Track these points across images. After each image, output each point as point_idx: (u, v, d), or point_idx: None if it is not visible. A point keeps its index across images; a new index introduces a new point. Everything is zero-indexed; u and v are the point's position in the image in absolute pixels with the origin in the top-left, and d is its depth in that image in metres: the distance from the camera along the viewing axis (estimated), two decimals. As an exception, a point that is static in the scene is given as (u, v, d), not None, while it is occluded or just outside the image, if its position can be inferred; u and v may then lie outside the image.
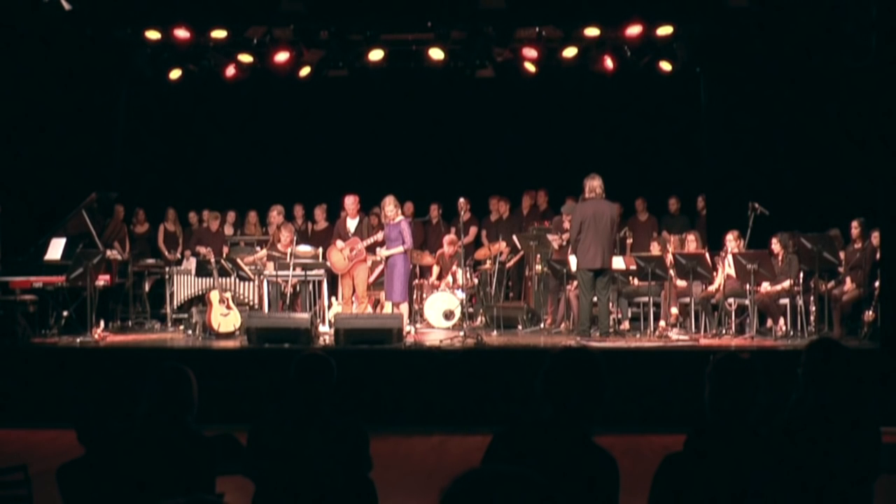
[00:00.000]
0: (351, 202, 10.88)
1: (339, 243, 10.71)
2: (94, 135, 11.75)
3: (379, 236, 10.57)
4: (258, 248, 11.80)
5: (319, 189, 12.77)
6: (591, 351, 3.23)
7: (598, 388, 3.07)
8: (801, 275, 9.97)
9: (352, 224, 10.88)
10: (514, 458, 2.98)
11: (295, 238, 11.27)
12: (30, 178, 10.97)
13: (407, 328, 10.00)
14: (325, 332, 10.09)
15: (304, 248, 11.12)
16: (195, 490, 3.65)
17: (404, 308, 10.31)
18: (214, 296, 10.29)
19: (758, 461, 3.04)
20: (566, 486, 2.84)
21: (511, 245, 11.94)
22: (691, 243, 10.98)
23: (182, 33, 11.26)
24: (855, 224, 9.93)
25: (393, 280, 10.35)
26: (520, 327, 11.04)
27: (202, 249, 11.72)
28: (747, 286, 9.78)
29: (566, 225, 11.20)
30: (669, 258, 10.46)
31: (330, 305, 11.16)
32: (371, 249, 10.77)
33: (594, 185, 9.81)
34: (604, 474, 3.02)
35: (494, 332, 10.50)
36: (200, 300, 11.11)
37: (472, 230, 12.72)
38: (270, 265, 10.95)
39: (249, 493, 3.94)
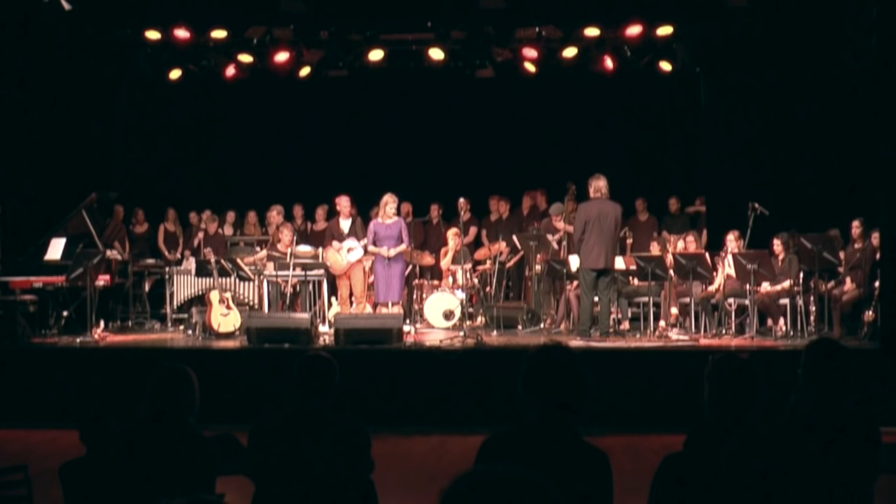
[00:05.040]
0: (345, 202, 10.89)
1: (336, 244, 10.71)
2: (94, 135, 11.76)
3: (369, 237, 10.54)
4: (258, 249, 11.80)
5: (319, 189, 12.75)
6: (565, 347, 3.20)
7: (579, 384, 3.03)
8: (801, 275, 9.98)
9: (345, 224, 10.88)
10: (505, 463, 2.96)
11: (295, 238, 11.26)
12: (30, 178, 10.97)
13: (406, 328, 10.01)
14: (325, 332, 10.08)
15: (304, 248, 11.12)
16: (195, 490, 3.65)
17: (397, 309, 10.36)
18: (214, 296, 10.29)
19: (757, 461, 3.04)
20: (560, 487, 2.84)
21: (511, 245, 11.94)
22: (690, 244, 10.99)
23: (182, 33, 11.26)
24: (855, 224, 9.94)
25: (396, 280, 10.37)
26: (520, 327, 11.04)
27: (207, 252, 11.71)
28: (747, 286, 9.79)
29: (558, 226, 11.21)
30: (669, 258, 10.47)
31: (330, 305, 11.16)
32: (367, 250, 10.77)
33: (599, 185, 9.81)
34: (596, 471, 3.01)
35: (494, 332, 10.50)
36: (200, 300, 11.11)
37: (472, 230, 12.72)
38: (270, 265, 10.94)
39: (249, 493, 3.94)
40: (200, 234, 12.13)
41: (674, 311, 10.73)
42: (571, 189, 11.21)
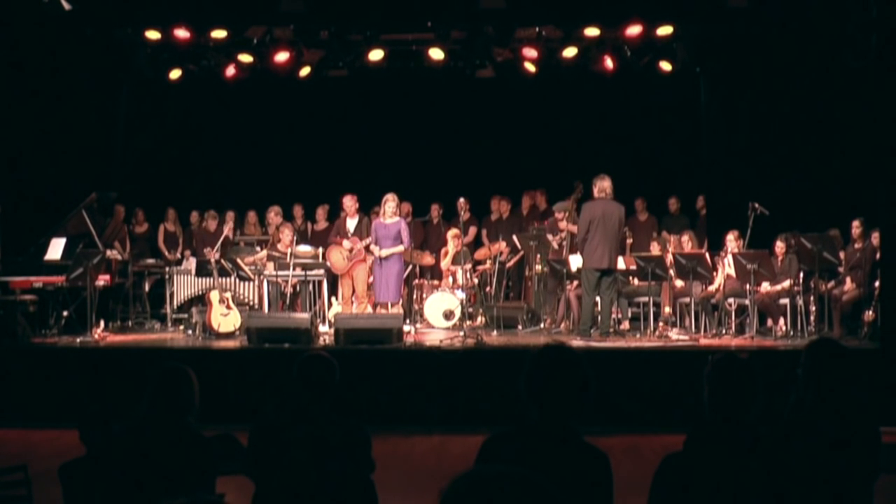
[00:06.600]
0: (350, 202, 10.91)
1: (346, 243, 10.71)
2: (94, 134, 11.75)
3: (371, 238, 10.55)
4: (258, 249, 11.78)
5: (319, 189, 12.76)
6: (569, 347, 3.20)
7: (581, 384, 3.03)
8: (801, 275, 9.98)
9: (351, 224, 10.90)
10: (505, 463, 2.96)
11: (295, 238, 11.26)
12: (30, 178, 10.97)
13: (406, 328, 10.00)
14: (325, 332, 10.09)
15: (304, 248, 11.12)
16: (195, 490, 3.65)
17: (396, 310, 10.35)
18: (214, 296, 10.29)
19: (757, 461, 3.04)
20: (560, 487, 2.84)
21: (511, 245, 11.94)
22: (686, 243, 10.98)
23: (182, 33, 11.26)
24: (855, 224, 9.94)
25: (392, 280, 10.37)
26: (520, 327, 11.04)
27: (207, 251, 11.67)
28: (747, 286, 9.79)
29: (561, 225, 11.20)
30: (669, 258, 10.47)
31: (330, 305, 11.16)
32: (368, 249, 10.78)
33: (604, 185, 9.82)
34: (596, 472, 3.01)
35: (494, 332, 10.50)
36: (200, 300, 11.10)
37: (472, 230, 12.72)
38: (270, 265, 10.94)
39: (249, 493, 3.94)
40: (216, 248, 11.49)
41: (667, 309, 10.74)
42: (578, 188, 11.18)
